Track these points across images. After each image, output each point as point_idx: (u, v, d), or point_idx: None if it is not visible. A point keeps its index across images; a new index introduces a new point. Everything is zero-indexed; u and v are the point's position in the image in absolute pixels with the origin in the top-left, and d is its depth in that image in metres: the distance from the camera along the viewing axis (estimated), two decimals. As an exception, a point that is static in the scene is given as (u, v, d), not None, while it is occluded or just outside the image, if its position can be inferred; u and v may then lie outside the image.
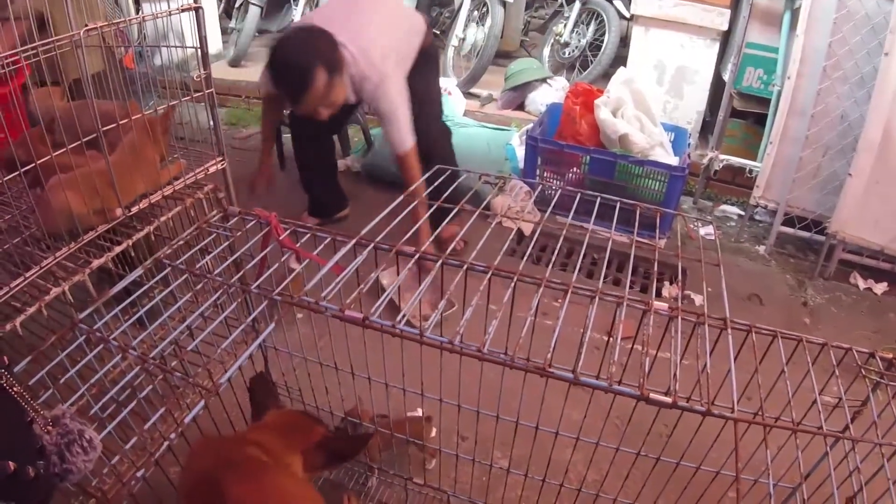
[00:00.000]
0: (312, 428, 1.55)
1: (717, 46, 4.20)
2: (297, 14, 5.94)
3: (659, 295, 3.18)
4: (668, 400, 1.13)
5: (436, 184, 1.68)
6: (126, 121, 1.83)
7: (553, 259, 1.71)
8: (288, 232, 1.61)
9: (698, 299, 3.08)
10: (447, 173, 1.74)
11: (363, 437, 1.64)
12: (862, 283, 3.36)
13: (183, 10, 1.92)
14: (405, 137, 2.90)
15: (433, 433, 2.06)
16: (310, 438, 1.50)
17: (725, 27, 4.09)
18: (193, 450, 1.43)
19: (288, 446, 1.46)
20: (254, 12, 5.80)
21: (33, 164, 1.67)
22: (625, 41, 5.01)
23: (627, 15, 4.77)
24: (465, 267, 1.37)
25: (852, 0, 3.07)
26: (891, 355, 1.38)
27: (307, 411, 1.76)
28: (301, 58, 2.61)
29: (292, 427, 1.54)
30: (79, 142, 1.73)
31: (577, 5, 5.24)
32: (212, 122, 2.17)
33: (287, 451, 1.44)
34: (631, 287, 3.24)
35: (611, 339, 1.26)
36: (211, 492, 1.25)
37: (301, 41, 2.69)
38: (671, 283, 3.26)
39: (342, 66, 2.72)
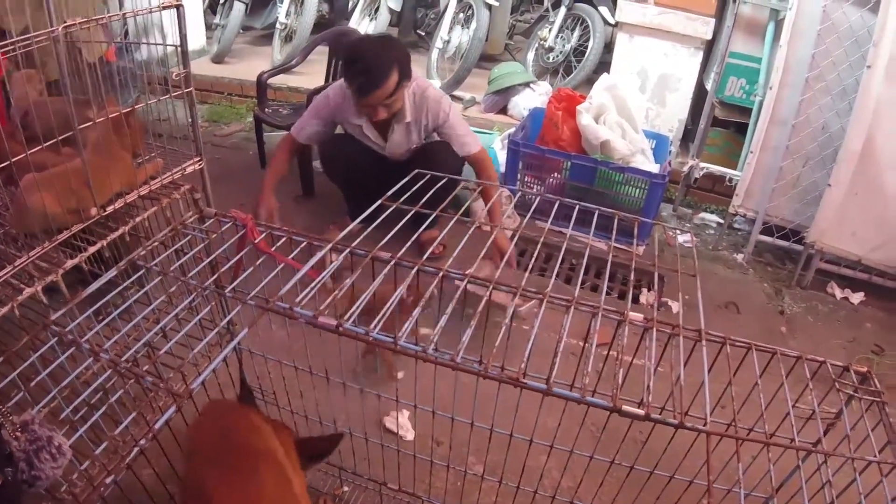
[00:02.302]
0: (288, 431, 1.58)
1: (700, 55, 4.22)
2: (281, 11, 5.92)
3: (637, 301, 3.19)
4: (641, 412, 1.13)
5: (414, 188, 1.67)
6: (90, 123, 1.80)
7: (531, 265, 1.71)
8: (264, 235, 1.60)
9: (676, 306, 3.09)
10: (426, 178, 1.73)
11: (335, 436, 1.64)
12: (839, 293, 3.39)
13: (164, 8, 1.90)
14: (474, 137, 3.16)
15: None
16: (289, 439, 1.53)
17: (710, 36, 4.12)
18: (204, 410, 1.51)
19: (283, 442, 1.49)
20: (238, 8, 5.79)
21: (7, 163, 1.64)
22: (609, 47, 5.02)
23: (612, 21, 4.80)
24: (440, 274, 1.36)
25: (836, 12, 3.10)
26: (865, 368, 1.39)
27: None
28: (382, 54, 2.81)
29: (278, 428, 1.55)
30: (54, 140, 1.71)
31: (562, 10, 5.26)
32: (190, 121, 2.16)
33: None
34: (610, 293, 3.25)
35: (585, 346, 1.25)
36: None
37: (382, 42, 2.94)
38: (649, 290, 3.27)
39: (410, 77, 2.95)
